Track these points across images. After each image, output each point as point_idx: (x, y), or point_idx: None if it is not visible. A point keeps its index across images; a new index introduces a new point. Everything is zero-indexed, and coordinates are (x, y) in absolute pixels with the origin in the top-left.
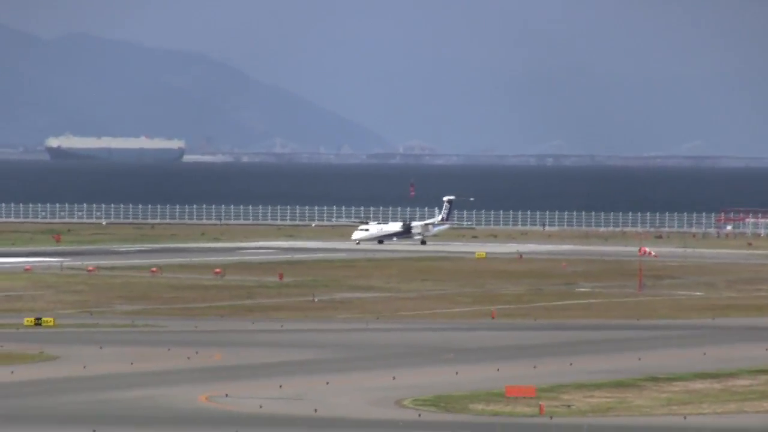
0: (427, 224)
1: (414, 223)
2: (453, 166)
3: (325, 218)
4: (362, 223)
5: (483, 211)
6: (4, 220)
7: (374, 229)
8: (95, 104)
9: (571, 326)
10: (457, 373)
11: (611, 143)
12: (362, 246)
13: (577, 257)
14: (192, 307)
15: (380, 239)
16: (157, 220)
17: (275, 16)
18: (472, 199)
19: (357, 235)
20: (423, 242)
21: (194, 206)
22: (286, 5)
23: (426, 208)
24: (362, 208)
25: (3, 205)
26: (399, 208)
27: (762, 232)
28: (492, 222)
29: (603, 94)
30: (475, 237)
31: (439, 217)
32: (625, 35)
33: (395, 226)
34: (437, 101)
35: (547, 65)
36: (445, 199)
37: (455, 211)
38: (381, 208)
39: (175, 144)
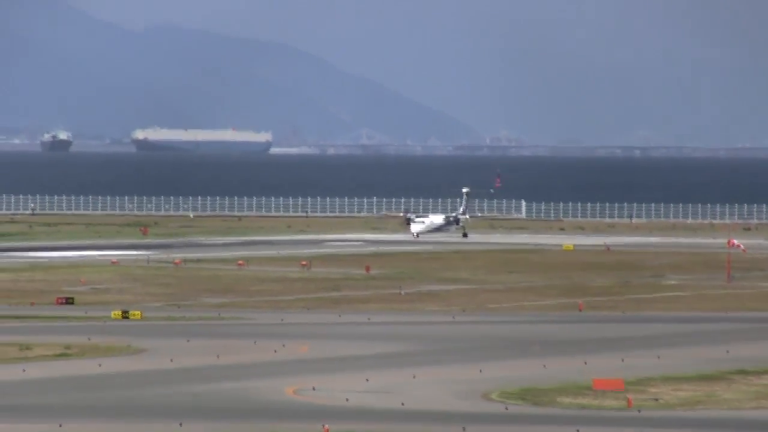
0: (465, 217)
1: (460, 216)
2: (540, 157)
3: (413, 210)
4: (402, 215)
5: (570, 203)
6: (91, 212)
7: (428, 221)
8: (183, 96)
9: (659, 319)
10: (544, 365)
11: (699, 134)
12: (423, 238)
13: (664, 249)
14: (278, 299)
15: (417, 233)
16: (244, 213)
17: (362, 7)
18: (492, 191)
19: (415, 228)
20: (465, 235)
21: (281, 199)
22: None
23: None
24: (449, 200)
25: (90, 197)
26: (459, 200)
27: None
28: (579, 214)
29: (690, 84)
30: (562, 229)
31: (460, 210)
32: (710, 24)
33: (439, 219)
34: (525, 91)
35: (632, 55)
36: (464, 191)
37: (545, 204)
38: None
39: (263, 136)
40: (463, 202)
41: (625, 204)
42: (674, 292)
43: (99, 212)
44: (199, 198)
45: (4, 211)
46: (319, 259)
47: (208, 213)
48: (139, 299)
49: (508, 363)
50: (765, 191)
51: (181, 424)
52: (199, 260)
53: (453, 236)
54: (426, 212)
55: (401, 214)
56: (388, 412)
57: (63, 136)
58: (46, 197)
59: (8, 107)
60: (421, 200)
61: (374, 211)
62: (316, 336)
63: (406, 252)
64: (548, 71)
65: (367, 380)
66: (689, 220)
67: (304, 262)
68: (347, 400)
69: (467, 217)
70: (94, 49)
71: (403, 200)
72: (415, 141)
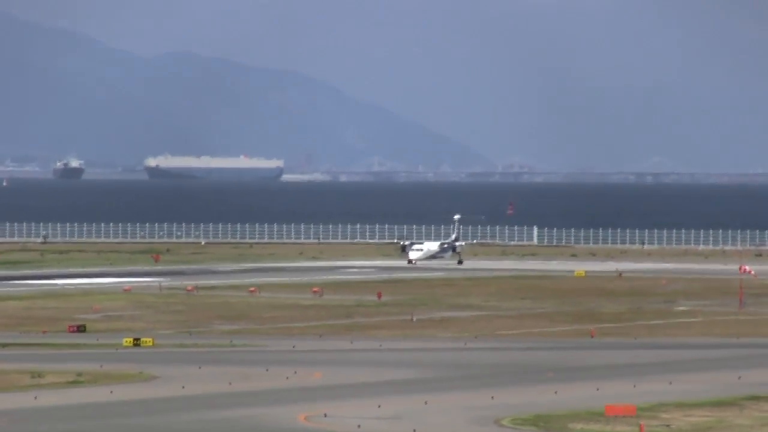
0: (461, 244)
1: (458, 243)
2: (553, 183)
3: (423, 237)
4: (395, 243)
5: (582, 229)
6: (103, 239)
7: (425, 248)
8: (194, 123)
9: (671, 345)
10: (556, 392)
11: (712, 160)
12: (414, 265)
13: (676, 275)
14: (291, 326)
15: (410, 260)
16: (256, 240)
17: (374, 35)
18: (483, 217)
19: (413, 255)
20: (460, 261)
21: (292, 225)
22: (386, 26)
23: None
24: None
25: (102, 224)
26: (488, 227)
27: None
28: (591, 240)
29: (703, 110)
30: (574, 255)
31: (453, 236)
32: (726, 52)
33: (435, 245)
34: (538, 118)
35: (647, 82)
36: (455, 217)
37: (557, 230)
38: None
39: (274, 163)
40: (455, 229)
41: (637, 230)
42: (686, 318)
43: (111, 239)
44: (211, 225)
45: (16, 239)
46: (331, 285)
47: (220, 240)
48: (151, 326)
49: (521, 389)
50: None
51: None
52: (211, 287)
53: (449, 263)
54: (420, 239)
55: (396, 242)
56: None
57: (75, 163)
58: (58, 225)
59: (21, 135)
60: (406, 226)
61: (386, 237)
62: (328, 363)
63: (418, 278)
64: (561, 98)
65: (379, 407)
66: (701, 247)
67: (316, 289)
68: (359, 426)
69: (463, 243)
70: (106, 77)
71: (387, 227)
72: (427, 168)
